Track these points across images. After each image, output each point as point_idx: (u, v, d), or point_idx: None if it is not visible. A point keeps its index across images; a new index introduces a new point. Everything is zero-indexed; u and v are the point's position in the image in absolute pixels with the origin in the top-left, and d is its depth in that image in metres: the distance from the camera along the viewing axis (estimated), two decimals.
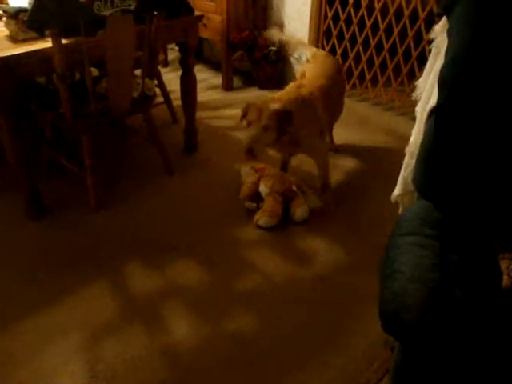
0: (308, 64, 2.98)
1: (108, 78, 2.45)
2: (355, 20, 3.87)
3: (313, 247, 2.52)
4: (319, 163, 2.77)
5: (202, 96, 4.02)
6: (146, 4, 2.41)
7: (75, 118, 2.45)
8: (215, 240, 2.56)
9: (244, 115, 2.49)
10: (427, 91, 1.79)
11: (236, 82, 4.48)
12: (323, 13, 4.00)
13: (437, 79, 1.42)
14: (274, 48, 4.12)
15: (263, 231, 2.61)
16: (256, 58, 4.13)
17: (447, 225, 1.39)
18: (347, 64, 4.09)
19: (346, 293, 2.23)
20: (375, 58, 3.91)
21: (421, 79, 1.96)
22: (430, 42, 1.83)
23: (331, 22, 4.00)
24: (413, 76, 3.54)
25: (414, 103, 1.91)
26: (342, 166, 3.21)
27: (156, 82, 3.15)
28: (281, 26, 4.26)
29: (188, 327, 2.03)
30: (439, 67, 1.46)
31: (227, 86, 4.35)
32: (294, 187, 2.73)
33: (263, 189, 2.72)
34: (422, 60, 2.73)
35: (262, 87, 4.40)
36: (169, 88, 3.69)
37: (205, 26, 4.14)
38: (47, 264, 2.34)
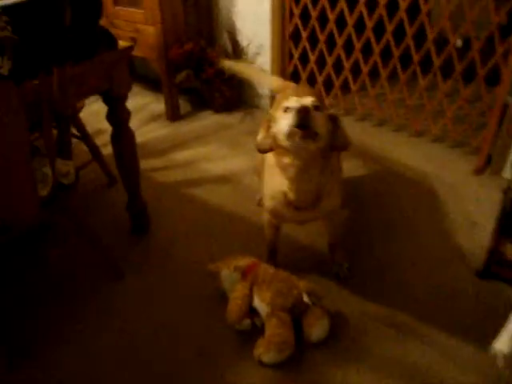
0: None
1: None
2: (332, 17, 2.95)
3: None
4: (335, 223, 2.05)
5: (142, 133, 3.05)
6: (31, 57, 1.41)
7: None
8: None
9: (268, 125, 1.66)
10: None
11: (183, 105, 3.50)
12: (288, 10, 3.06)
13: None
14: None
15: (271, 370, 1.72)
16: (207, 77, 3.15)
17: None
18: (325, 73, 3.18)
19: None
20: (362, 63, 3.03)
21: None
22: None
23: (299, 22, 3.07)
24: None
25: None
26: None
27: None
28: (232, 31, 3.28)
29: None
30: None
31: (173, 115, 3.37)
32: (305, 296, 1.84)
33: (260, 305, 1.84)
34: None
35: (218, 110, 3.45)
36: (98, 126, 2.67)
37: (133, 40, 3.10)
38: None
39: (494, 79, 2.60)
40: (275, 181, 1.74)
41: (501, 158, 2.65)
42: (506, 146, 2.59)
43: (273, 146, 1.64)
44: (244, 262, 1.94)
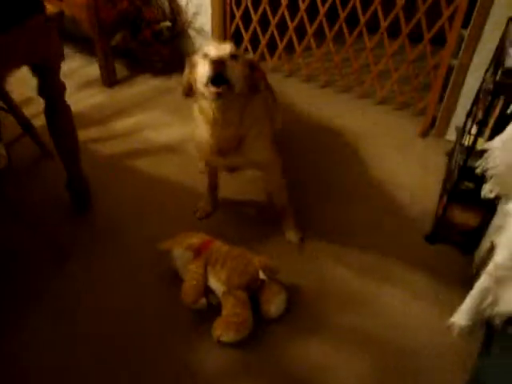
0: None
1: None
2: None
3: (311, 358, 1.68)
4: (273, 179, 2.05)
5: (76, 101, 2.84)
6: None
7: None
8: (156, 379, 1.62)
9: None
10: None
11: (119, 69, 3.29)
12: None
13: None
14: (166, 23, 2.96)
15: (231, 349, 1.70)
16: (144, 38, 2.95)
17: None
18: (268, 34, 3.06)
19: None
20: (307, 23, 2.94)
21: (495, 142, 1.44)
22: None
23: None
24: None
25: None
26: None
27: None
28: None
29: None
30: None
31: (109, 80, 3.16)
32: (261, 272, 1.80)
33: (216, 284, 1.80)
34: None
35: (157, 73, 3.27)
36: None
37: None
38: None
39: (440, 39, 2.58)
40: (200, 129, 1.81)
41: (445, 121, 2.68)
42: (450, 108, 2.62)
43: (194, 90, 1.71)
44: (196, 239, 1.87)
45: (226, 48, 1.62)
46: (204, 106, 1.71)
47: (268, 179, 2.10)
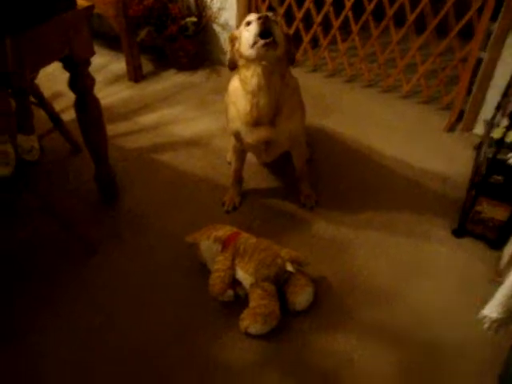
0: None
1: None
2: None
3: (337, 352, 1.68)
4: (301, 153, 2.20)
5: (104, 96, 2.88)
6: None
7: None
8: (183, 371, 1.63)
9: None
10: None
11: (145, 64, 3.32)
12: None
13: None
14: (192, 18, 2.97)
15: (257, 340, 1.71)
16: (170, 34, 2.98)
17: None
18: (294, 28, 3.06)
19: None
20: (333, 17, 2.92)
21: None
22: None
23: None
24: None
25: None
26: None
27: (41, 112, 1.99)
28: None
29: None
30: None
31: (136, 76, 3.19)
32: (289, 265, 1.81)
33: (244, 276, 1.81)
34: None
35: (182, 69, 3.29)
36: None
37: None
38: None
39: (467, 32, 2.54)
40: (237, 103, 1.93)
41: (473, 115, 2.64)
42: (478, 102, 2.58)
43: (237, 60, 1.85)
44: (224, 231, 1.89)
45: (268, 13, 1.78)
46: (247, 75, 1.82)
47: (296, 150, 2.17)
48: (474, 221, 2.04)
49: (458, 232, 2.10)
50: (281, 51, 1.78)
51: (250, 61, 1.79)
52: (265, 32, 1.70)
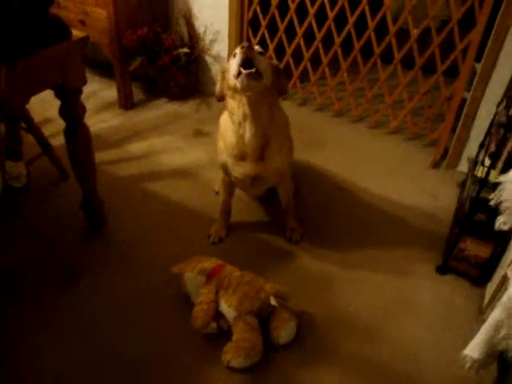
0: None
1: None
2: (293, 5, 2.89)
3: None
4: (287, 188, 2.20)
5: (94, 123, 2.89)
6: None
7: None
8: None
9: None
10: None
11: (136, 92, 3.35)
12: None
13: None
14: (185, 49, 3.03)
15: (240, 374, 1.69)
16: (162, 64, 3.02)
17: None
18: (284, 62, 3.12)
19: None
20: (322, 53, 2.99)
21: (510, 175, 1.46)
22: None
23: (258, 8, 2.98)
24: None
25: None
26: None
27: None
28: (189, 17, 3.15)
29: None
30: None
31: (126, 104, 3.22)
32: (272, 299, 1.80)
33: (227, 309, 1.80)
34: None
35: (173, 98, 3.33)
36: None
37: (82, 23, 2.94)
38: None
39: (453, 71, 2.61)
40: (225, 135, 1.94)
41: (457, 152, 2.69)
42: (463, 139, 2.64)
43: (225, 91, 1.86)
44: (209, 264, 1.89)
45: (253, 44, 1.78)
46: (234, 106, 1.82)
47: (282, 185, 2.17)
48: (458, 258, 2.06)
49: (442, 269, 2.11)
50: (267, 82, 1.76)
51: (235, 91, 1.78)
52: (248, 62, 1.69)
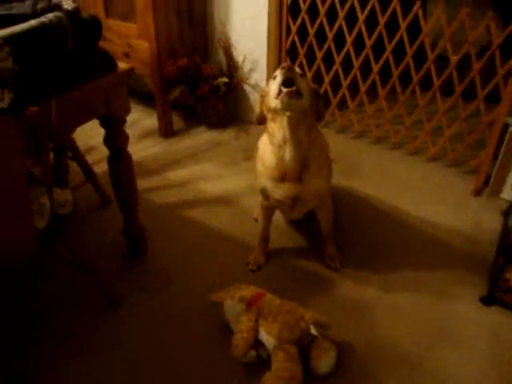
0: None
1: None
2: (330, 35, 2.92)
3: None
4: (326, 212, 2.19)
5: (135, 150, 2.95)
6: (31, 87, 1.34)
7: None
8: None
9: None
10: None
11: (176, 121, 3.43)
12: (285, 26, 3.03)
13: None
14: (224, 79, 3.09)
15: None
16: (202, 93, 3.09)
17: None
18: (322, 90, 3.14)
19: None
20: (360, 81, 3.00)
21: None
22: None
23: (296, 38, 3.03)
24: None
25: None
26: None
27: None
28: (228, 47, 3.23)
29: None
30: None
31: (166, 132, 3.29)
32: (312, 328, 1.78)
33: (267, 338, 1.78)
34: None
35: (212, 126, 3.39)
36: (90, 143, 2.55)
37: (126, 56, 3.05)
38: None
39: (494, 96, 2.58)
40: (264, 158, 1.95)
41: (500, 179, 2.63)
42: (505, 166, 2.58)
43: (265, 114, 1.87)
44: (248, 292, 1.88)
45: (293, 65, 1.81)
46: (274, 128, 1.84)
47: (322, 209, 2.16)
48: (503, 289, 1.99)
49: (487, 300, 2.05)
50: (306, 103, 1.78)
51: (276, 113, 1.79)
52: (288, 81, 1.70)
